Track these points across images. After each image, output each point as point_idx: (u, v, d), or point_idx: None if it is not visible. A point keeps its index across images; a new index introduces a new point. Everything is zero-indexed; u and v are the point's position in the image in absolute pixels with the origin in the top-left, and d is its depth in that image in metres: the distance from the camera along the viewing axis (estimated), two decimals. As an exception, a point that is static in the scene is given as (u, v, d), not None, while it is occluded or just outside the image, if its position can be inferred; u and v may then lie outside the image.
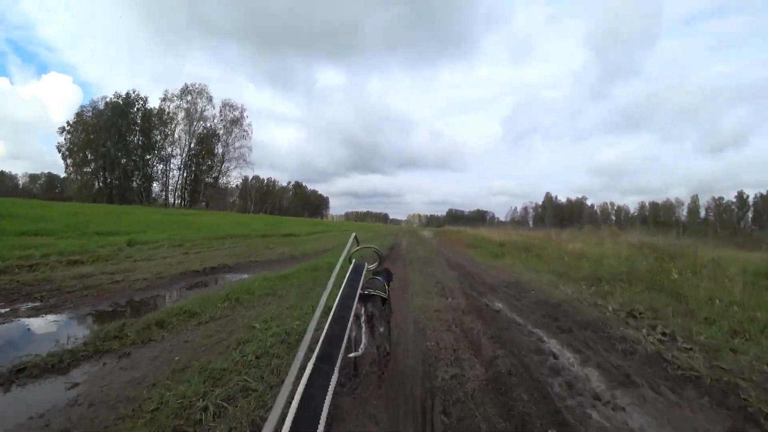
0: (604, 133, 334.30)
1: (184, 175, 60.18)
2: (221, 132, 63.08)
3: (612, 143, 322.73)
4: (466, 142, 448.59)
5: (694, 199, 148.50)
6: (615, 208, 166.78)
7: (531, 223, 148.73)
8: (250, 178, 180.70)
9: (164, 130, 59.08)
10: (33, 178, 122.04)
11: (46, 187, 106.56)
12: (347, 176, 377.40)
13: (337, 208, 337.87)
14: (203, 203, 62.69)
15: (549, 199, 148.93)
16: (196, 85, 59.97)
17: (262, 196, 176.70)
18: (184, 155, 59.60)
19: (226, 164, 63.76)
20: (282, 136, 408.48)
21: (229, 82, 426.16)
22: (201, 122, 60.22)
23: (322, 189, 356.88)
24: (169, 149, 59.21)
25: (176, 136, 59.30)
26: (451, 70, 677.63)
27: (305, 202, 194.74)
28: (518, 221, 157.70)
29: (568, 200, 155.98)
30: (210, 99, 61.39)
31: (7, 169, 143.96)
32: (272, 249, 13.73)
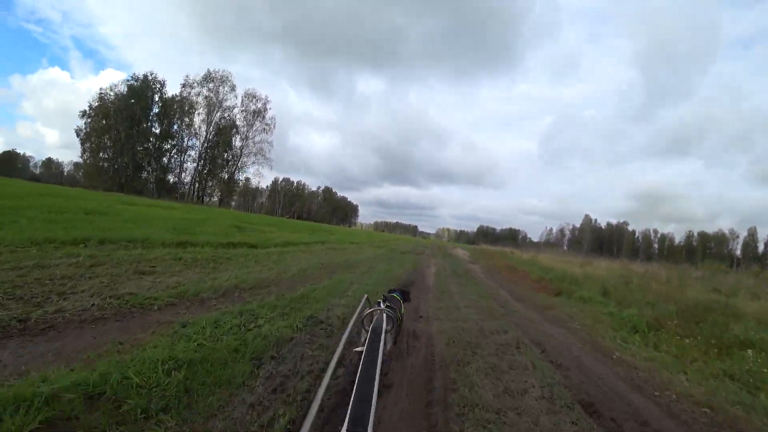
0: (645, 157, 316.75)
1: (199, 168, 56.07)
2: (241, 124, 58.80)
3: (654, 167, 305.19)
4: (502, 158, 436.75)
5: (751, 232, 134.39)
6: (659, 236, 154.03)
7: (566, 246, 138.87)
8: (281, 179, 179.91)
9: (184, 119, 55.31)
10: (77, 166, 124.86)
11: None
12: (379, 185, 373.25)
13: (366, 216, 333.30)
14: (216, 199, 58.49)
15: (588, 222, 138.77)
16: (219, 72, 56.26)
17: (291, 199, 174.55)
18: (200, 147, 55.63)
19: (243, 159, 59.28)
20: (318, 141, 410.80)
21: (271, 85, 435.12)
22: (220, 112, 56.16)
23: (353, 196, 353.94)
24: (187, 140, 55.32)
25: (196, 126, 55.45)
26: (491, 84, 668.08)
27: (335, 208, 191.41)
28: (553, 243, 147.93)
29: (608, 224, 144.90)
30: (233, 88, 57.70)
31: (57, 157, 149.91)
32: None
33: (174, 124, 55.26)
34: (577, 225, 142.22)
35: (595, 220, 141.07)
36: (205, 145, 55.69)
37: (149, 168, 55.46)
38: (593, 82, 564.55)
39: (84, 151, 53.33)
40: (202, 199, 55.29)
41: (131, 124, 50.02)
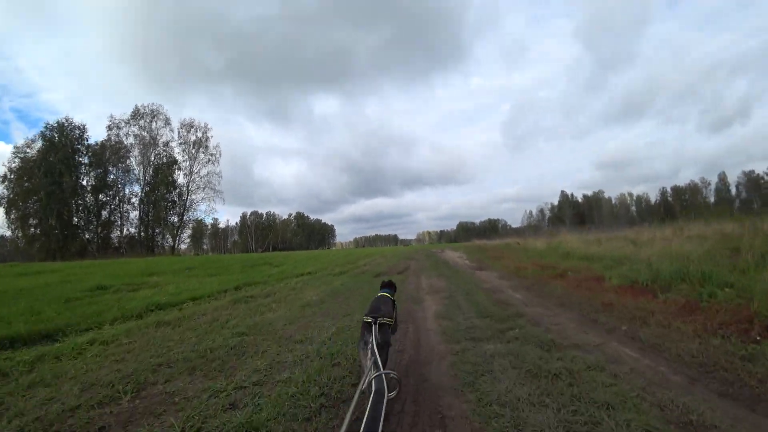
0: (605, 125, 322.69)
1: (141, 215, 48.92)
2: (182, 158, 51.99)
3: (615, 135, 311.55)
4: (468, 154, 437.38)
5: (721, 177, 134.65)
6: (634, 198, 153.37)
7: (547, 225, 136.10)
8: (249, 214, 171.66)
9: (119, 165, 48.38)
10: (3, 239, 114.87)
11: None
12: (353, 202, 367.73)
13: (345, 235, 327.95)
14: (167, 246, 51.33)
15: (565, 198, 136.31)
16: (149, 106, 49.71)
17: (263, 232, 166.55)
18: (141, 191, 48.65)
19: (191, 196, 52.33)
20: (285, 170, 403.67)
21: (228, 123, 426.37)
22: (157, 149, 49.41)
23: (329, 218, 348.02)
24: (126, 188, 48.35)
25: (135, 169, 48.57)
26: (445, 83, 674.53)
27: (310, 233, 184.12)
28: (535, 225, 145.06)
29: (585, 196, 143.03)
30: (167, 121, 51.14)
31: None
32: None
33: (110, 172, 48.29)
34: (555, 203, 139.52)
35: (572, 194, 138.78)
36: (145, 189, 48.63)
37: (90, 226, 48.14)
38: (542, 64, 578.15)
39: (10, 221, 45.73)
40: (153, 249, 48.09)
41: (52, 181, 42.78)
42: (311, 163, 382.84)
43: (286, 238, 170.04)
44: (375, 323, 2.76)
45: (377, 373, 1.86)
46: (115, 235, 50.37)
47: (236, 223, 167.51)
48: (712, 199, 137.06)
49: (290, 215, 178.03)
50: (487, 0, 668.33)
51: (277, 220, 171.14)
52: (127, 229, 49.73)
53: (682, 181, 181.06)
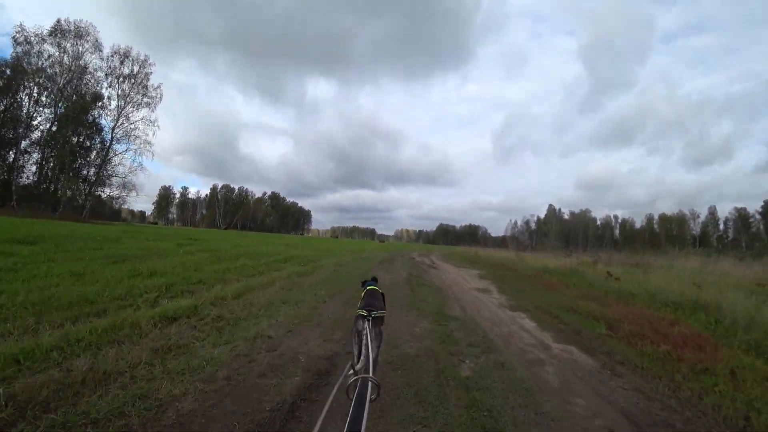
0: (593, 147, 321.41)
1: (41, 160, 37.15)
2: (111, 93, 40.15)
3: (600, 157, 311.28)
4: (456, 157, 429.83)
5: (712, 211, 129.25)
6: (619, 221, 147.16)
7: (532, 239, 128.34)
8: (220, 186, 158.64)
9: (29, 93, 36.69)
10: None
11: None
12: (335, 190, 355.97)
13: (323, 222, 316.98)
14: (88, 204, 39.70)
15: (552, 212, 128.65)
16: (75, 22, 37.93)
17: (233, 208, 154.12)
18: (45, 130, 36.94)
19: (114, 145, 41.17)
20: (271, 149, 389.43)
21: (217, 91, 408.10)
22: (77, 79, 37.53)
23: (309, 203, 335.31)
24: (26, 125, 36.63)
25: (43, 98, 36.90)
26: (443, 83, 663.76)
27: (284, 215, 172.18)
28: (517, 237, 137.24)
29: (572, 213, 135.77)
30: (98, 46, 39.36)
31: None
32: None
33: (22, 102, 36.44)
34: (541, 216, 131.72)
35: (559, 209, 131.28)
36: (51, 128, 36.79)
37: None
38: (541, 79, 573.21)
39: None
40: (56, 207, 36.47)
41: None
42: (298, 145, 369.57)
43: (258, 217, 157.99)
44: (369, 317, 2.74)
45: (356, 377, 1.69)
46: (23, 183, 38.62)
47: (206, 195, 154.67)
48: (696, 232, 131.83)
49: (264, 194, 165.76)
50: (495, 5, 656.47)
51: (250, 198, 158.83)
52: (28, 178, 37.99)
53: (657, 210, 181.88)
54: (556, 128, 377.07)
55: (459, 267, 16.44)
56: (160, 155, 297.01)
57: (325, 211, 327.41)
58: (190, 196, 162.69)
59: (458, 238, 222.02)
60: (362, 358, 2.21)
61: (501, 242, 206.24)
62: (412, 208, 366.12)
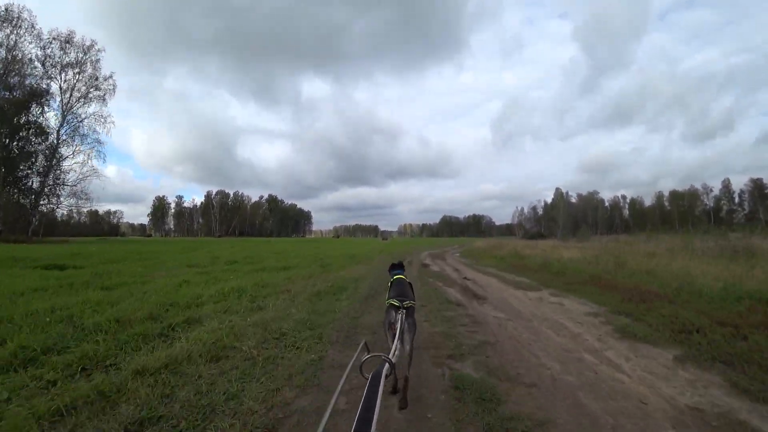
0: (594, 129, 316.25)
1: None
2: (53, 86, 34.21)
3: (601, 138, 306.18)
4: (456, 148, 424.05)
5: (726, 184, 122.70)
6: (628, 201, 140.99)
7: (537, 225, 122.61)
8: (214, 193, 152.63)
9: None
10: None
11: None
12: (336, 189, 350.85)
13: (325, 222, 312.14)
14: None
15: (560, 197, 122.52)
16: (4, 7, 32.08)
17: (228, 214, 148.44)
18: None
19: (61, 148, 35.45)
20: (269, 152, 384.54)
21: (211, 97, 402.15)
22: (11, 74, 31.74)
23: (310, 204, 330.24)
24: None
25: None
26: (439, 73, 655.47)
27: (283, 218, 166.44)
28: (524, 224, 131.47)
29: (579, 196, 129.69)
30: (35, 34, 33.50)
31: None
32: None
33: None
34: (548, 201, 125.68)
35: (567, 192, 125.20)
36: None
37: None
38: (538, 63, 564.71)
39: None
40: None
41: None
42: (296, 146, 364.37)
43: (256, 222, 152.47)
44: (402, 308, 2.83)
45: (369, 356, 1.67)
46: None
47: (201, 203, 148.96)
48: (709, 206, 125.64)
49: (261, 197, 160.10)
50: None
51: (246, 202, 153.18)
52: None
53: (660, 189, 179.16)
54: (555, 112, 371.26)
55: (516, 287, 10.57)
56: (160, 166, 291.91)
57: (327, 210, 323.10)
58: (185, 205, 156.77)
59: (462, 230, 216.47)
60: (396, 351, 2.25)
61: (507, 230, 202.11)
62: (414, 202, 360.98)
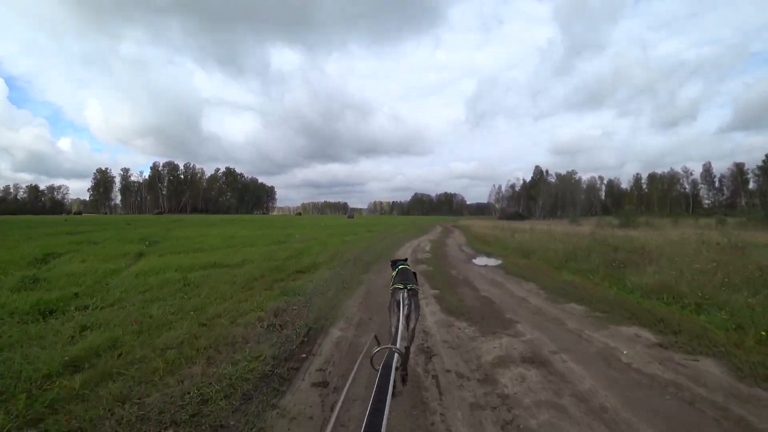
0: (566, 111, 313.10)
1: None
2: None
3: (574, 120, 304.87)
4: (429, 125, 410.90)
5: (707, 167, 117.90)
6: (605, 182, 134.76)
7: (521, 205, 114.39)
8: (161, 164, 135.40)
9: None
10: None
11: None
12: (306, 166, 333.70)
13: (295, 199, 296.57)
14: None
15: (540, 175, 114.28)
16: None
17: (178, 189, 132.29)
18: None
19: None
20: (237, 126, 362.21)
21: (173, 64, 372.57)
22: None
23: (280, 181, 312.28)
24: None
25: None
26: (415, 47, 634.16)
27: (243, 194, 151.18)
28: (501, 202, 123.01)
29: (558, 175, 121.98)
30: None
31: None
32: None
33: None
34: (524, 180, 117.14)
35: (547, 171, 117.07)
36: None
37: None
38: (515, 41, 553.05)
39: None
40: None
41: None
42: (265, 120, 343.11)
43: (210, 197, 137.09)
44: (406, 288, 2.93)
45: (380, 348, 1.72)
46: None
47: (147, 176, 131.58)
48: (687, 188, 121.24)
49: (217, 170, 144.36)
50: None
51: (200, 175, 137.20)
52: None
53: (625, 173, 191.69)
54: (530, 93, 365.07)
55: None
56: (119, 139, 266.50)
57: (297, 187, 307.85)
58: (133, 179, 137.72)
59: (434, 208, 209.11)
60: (397, 329, 2.40)
61: (480, 210, 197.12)
62: (385, 180, 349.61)
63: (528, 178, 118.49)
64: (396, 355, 1.48)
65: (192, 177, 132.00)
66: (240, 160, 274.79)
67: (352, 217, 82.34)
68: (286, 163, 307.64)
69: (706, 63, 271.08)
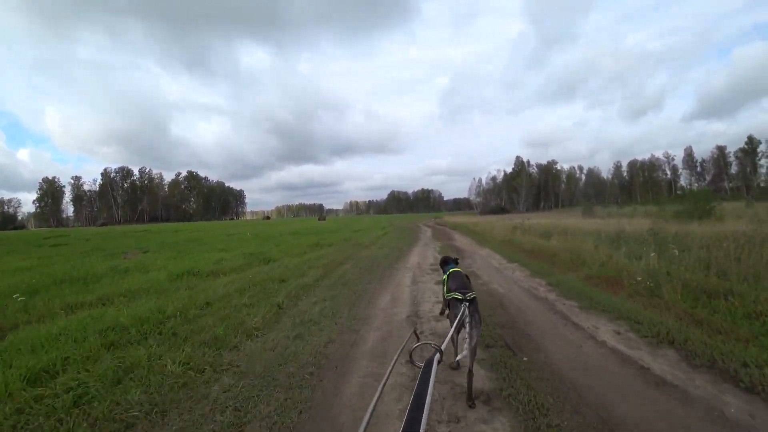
0: (539, 103, 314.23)
1: None
2: None
3: (547, 112, 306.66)
4: (404, 123, 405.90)
5: (689, 152, 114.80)
6: (584, 171, 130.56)
7: (502, 198, 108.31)
8: (113, 170, 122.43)
9: None
10: None
11: None
12: (280, 168, 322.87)
13: (270, 203, 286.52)
14: None
15: (522, 165, 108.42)
16: None
17: (135, 196, 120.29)
18: None
19: None
20: (207, 130, 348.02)
21: (136, 68, 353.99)
22: None
23: (254, 184, 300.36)
24: None
25: None
26: (389, 44, 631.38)
27: (208, 199, 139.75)
28: (482, 196, 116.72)
29: (539, 166, 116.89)
30: None
31: None
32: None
33: None
34: (508, 170, 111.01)
35: (528, 161, 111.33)
36: None
37: None
38: (488, 36, 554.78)
39: None
40: None
41: None
42: (236, 123, 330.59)
43: (171, 203, 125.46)
44: (466, 300, 2.82)
45: (418, 344, 1.66)
46: None
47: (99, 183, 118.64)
48: (668, 174, 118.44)
49: (178, 174, 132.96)
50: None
51: (159, 181, 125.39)
52: None
53: (596, 162, 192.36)
54: (503, 86, 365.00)
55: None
56: (83, 148, 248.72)
57: (272, 190, 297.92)
58: (86, 187, 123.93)
59: (411, 206, 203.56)
60: (464, 348, 2.43)
61: (457, 205, 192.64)
62: (361, 179, 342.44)
63: (508, 171, 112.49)
64: (437, 354, 1.33)
65: (149, 183, 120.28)
66: (212, 165, 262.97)
67: (324, 219, 76.54)
68: (259, 165, 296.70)
69: (670, 53, 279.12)
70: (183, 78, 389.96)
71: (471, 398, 2.76)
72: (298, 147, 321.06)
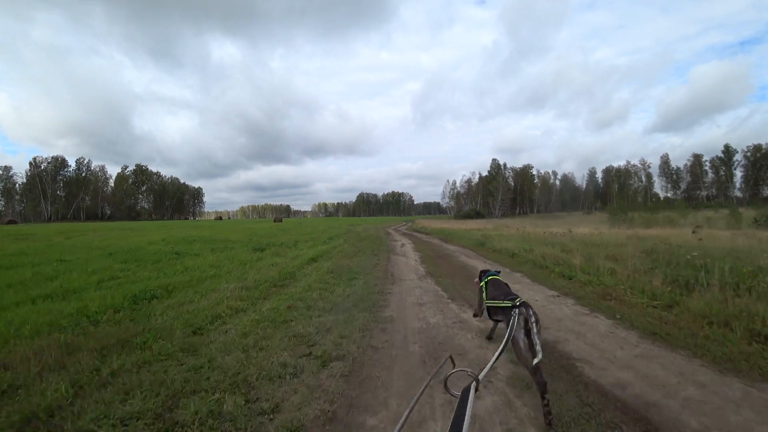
0: (510, 111, 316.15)
1: None
2: None
3: (517, 120, 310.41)
4: (376, 125, 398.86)
5: (665, 159, 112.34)
6: (558, 177, 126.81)
7: (478, 202, 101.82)
8: (43, 159, 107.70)
9: None
10: None
11: None
12: (250, 168, 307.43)
13: (237, 202, 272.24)
14: None
15: (497, 168, 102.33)
16: None
17: (71, 190, 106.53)
18: None
19: None
20: (173, 124, 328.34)
21: (96, 53, 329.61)
22: None
23: (222, 183, 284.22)
24: None
25: None
26: (364, 44, 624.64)
27: (160, 196, 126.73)
28: (456, 200, 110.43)
29: (514, 170, 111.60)
30: None
31: None
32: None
33: None
34: (483, 173, 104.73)
35: (505, 164, 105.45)
36: None
37: None
38: (462, 44, 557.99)
39: None
40: None
41: None
42: (204, 119, 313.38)
43: (116, 200, 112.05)
44: (517, 306, 2.69)
45: (454, 370, 1.51)
46: None
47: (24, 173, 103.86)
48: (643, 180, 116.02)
49: (125, 168, 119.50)
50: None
51: (102, 175, 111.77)
52: None
53: (562, 170, 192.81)
54: (476, 93, 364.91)
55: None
56: (36, 139, 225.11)
57: (239, 190, 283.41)
58: (18, 179, 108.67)
59: (380, 209, 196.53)
60: (535, 352, 2.35)
61: (427, 209, 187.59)
62: (331, 180, 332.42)
63: (476, 177, 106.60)
64: (473, 382, 1.28)
65: (88, 176, 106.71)
66: (178, 162, 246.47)
67: (280, 221, 69.79)
68: (228, 164, 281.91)
69: (635, 69, 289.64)
70: (149, 68, 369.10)
71: (549, 414, 2.40)
72: (268, 146, 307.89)
